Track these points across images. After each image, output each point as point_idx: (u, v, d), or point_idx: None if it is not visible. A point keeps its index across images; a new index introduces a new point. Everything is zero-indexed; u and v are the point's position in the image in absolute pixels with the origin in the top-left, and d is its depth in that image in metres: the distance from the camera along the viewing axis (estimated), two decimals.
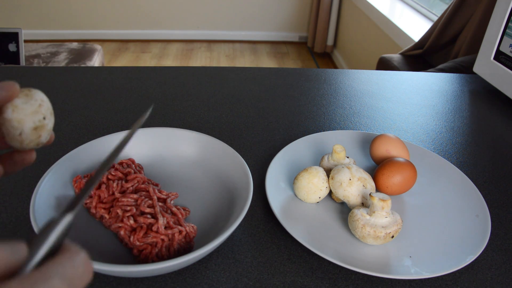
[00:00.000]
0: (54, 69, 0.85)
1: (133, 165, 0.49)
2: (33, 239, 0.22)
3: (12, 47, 1.38)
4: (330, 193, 0.50)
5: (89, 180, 0.28)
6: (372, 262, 0.42)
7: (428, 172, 0.56)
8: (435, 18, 1.74)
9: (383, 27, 2.17)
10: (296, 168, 0.55)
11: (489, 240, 0.47)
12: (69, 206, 0.26)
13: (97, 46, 2.13)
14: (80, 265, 0.21)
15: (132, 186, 0.46)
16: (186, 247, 0.41)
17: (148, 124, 0.66)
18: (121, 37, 3.38)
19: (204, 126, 0.66)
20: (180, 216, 0.43)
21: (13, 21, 3.22)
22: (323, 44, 3.21)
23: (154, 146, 0.54)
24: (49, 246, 0.22)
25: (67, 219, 0.24)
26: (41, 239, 0.22)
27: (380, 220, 0.43)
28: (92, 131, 0.64)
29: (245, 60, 3.16)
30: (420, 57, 1.69)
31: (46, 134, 0.30)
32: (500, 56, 0.79)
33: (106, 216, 0.43)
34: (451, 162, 0.61)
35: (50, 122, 0.30)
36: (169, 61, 3.09)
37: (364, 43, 2.55)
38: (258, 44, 3.46)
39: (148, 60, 3.10)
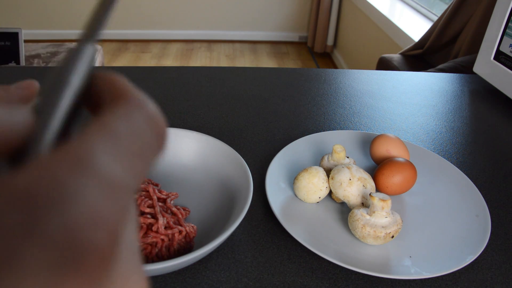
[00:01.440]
0: (54, 70, 0.85)
1: None
2: (39, 96, 0.13)
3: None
4: (330, 193, 0.50)
5: None
6: (372, 262, 0.42)
7: (428, 172, 0.56)
8: (435, 18, 1.74)
9: (383, 27, 2.17)
10: (296, 168, 0.55)
11: (489, 240, 0.47)
12: (86, 32, 0.16)
13: (97, 46, 2.13)
14: (143, 127, 0.12)
15: None
16: (186, 247, 0.41)
17: None
18: (121, 37, 3.38)
19: (204, 126, 0.66)
20: (180, 216, 0.43)
21: (13, 21, 3.21)
22: (323, 44, 3.21)
23: None
24: (67, 102, 0.13)
25: (89, 51, 0.15)
26: (50, 93, 0.13)
27: (380, 220, 0.43)
28: None
29: (245, 60, 3.16)
30: (420, 57, 1.69)
31: None
32: (500, 56, 0.79)
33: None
34: (451, 162, 0.61)
35: None
36: (169, 61, 3.09)
37: (364, 43, 2.55)
38: (258, 44, 3.46)
39: (148, 60, 3.09)
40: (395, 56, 1.71)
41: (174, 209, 0.44)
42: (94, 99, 0.15)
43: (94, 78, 0.15)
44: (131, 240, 0.13)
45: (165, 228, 0.41)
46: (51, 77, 0.14)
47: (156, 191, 0.45)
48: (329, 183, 0.48)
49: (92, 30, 0.16)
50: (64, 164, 0.10)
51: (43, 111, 0.13)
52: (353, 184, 0.47)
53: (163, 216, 0.42)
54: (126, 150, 0.12)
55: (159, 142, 0.13)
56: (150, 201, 0.44)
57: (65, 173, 0.10)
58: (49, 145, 0.12)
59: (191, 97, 0.76)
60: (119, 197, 0.11)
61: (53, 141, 0.12)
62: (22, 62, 1.47)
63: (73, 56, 0.15)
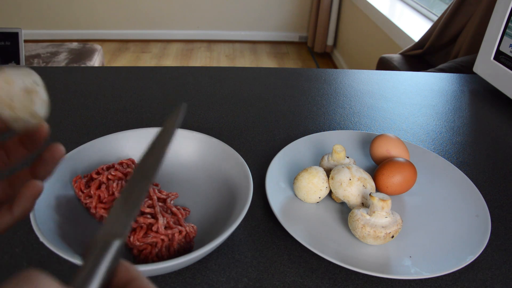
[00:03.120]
0: (54, 69, 0.85)
1: (133, 165, 0.49)
2: (77, 276, 0.18)
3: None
4: (330, 193, 0.50)
5: (134, 187, 0.22)
6: (372, 262, 0.42)
7: (428, 172, 0.56)
8: (435, 18, 1.74)
9: (383, 27, 2.17)
10: (296, 168, 0.55)
11: (489, 240, 0.47)
12: (115, 224, 0.20)
13: (97, 46, 2.13)
14: None
15: None
16: (186, 247, 0.41)
17: (148, 124, 0.66)
18: (121, 37, 3.38)
19: (204, 126, 0.66)
20: (180, 216, 0.43)
21: (13, 21, 3.21)
22: (323, 44, 3.21)
23: None
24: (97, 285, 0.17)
25: (115, 246, 0.19)
26: (86, 278, 0.17)
27: (380, 220, 0.43)
28: (92, 131, 0.64)
29: (245, 60, 3.16)
30: (420, 57, 1.69)
31: (40, 103, 0.26)
32: (500, 56, 0.79)
33: (106, 216, 0.43)
34: (451, 162, 0.61)
35: (43, 92, 0.26)
36: (169, 61, 3.09)
37: (364, 43, 2.55)
38: (258, 44, 3.46)
39: (148, 60, 3.09)
40: (395, 56, 1.71)
41: (174, 209, 0.44)
42: (120, 285, 0.19)
43: (119, 267, 0.19)
44: None
45: (165, 228, 0.41)
46: (83, 271, 0.18)
47: (156, 191, 0.45)
48: (329, 183, 0.48)
49: (120, 226, 0.20)
50: None
51: None
52: (353, 184, 0.47)
53: (163, 216, 0.42)
54: None
55: None
56: (150, 201, 0.44)
57: None
58: None
59: (191, 97, 0.76)
60: None
61: None
62: (22, 62, 1.47)
63: (101, 253, 0.18)
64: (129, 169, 0.48)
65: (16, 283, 0.15)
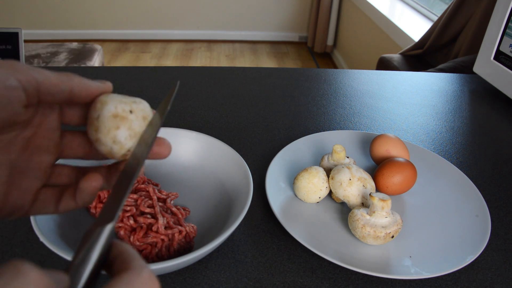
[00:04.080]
0: (54, 69, 0.85)
1: None
2: (72, 262, 0.19)
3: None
4: (330, 193, 0.50)
5: (122, 182, 0.23)
6: (372, 262, 0.42)
7: (428, 172, 0.56)
8: (435, 18, 1.74)
9: (383, 27, 2.17)
10: (296, 168, 0.55)
11: (489, 240, 0.47)
12: (107, 213, 0.21)
13: (97, 46, 2.13)
14: None
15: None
16: (186, 247, 0.41)
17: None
18: (121, 37, 3.38)
19: (204, 126, 0.66)
20: (180, 216, 0.43)
21: (13, 21, 3.21)
22: (323, 44, 3.21)
23: None
24: (91, 269, 0.19)
25: (108, 230, 0.20)
26: (80, 262, 0.19)
27: (380, 220, 0.43)
28: None
29: (245, 60, 3.16)
30: (420, 57, 1.69)
31: (128, 133, 0.24)
32: (500, 56, 0.79)
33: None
34: (451, 162, 0.61)
35: (137, 123, 0.25)
36: (169, 61, 3.09)
37: (364, 43, 2.55)
38: (258, 44, 3.46)
39: (148, 60, 3.09)
40: (395, 56, 1.71)
41: (174, 209, 0.44)
42: (110, 261, 0.20)
43: (111, 247, 0.20)
44: None
45: (165, 228, 0.41)
46: (79, 256, 0.19)
47: (156, 191, 0.45)
48: (329, 183, 0.48)
49: (111, 213, 0.21)
50: None
51: (74, 276, 0.18)
52: (353, 184, 0.47)
53: (163, 216, 0.42)
54: None
55: None
56: (150, 201, 0.44)
57: None
58: None
59: (191, 97, 0.76)
60: None
61: None
62: (22, 62, 1.47)
63: (95, 238, 0.20)
64: None
65: (2, 276, 0.15)
